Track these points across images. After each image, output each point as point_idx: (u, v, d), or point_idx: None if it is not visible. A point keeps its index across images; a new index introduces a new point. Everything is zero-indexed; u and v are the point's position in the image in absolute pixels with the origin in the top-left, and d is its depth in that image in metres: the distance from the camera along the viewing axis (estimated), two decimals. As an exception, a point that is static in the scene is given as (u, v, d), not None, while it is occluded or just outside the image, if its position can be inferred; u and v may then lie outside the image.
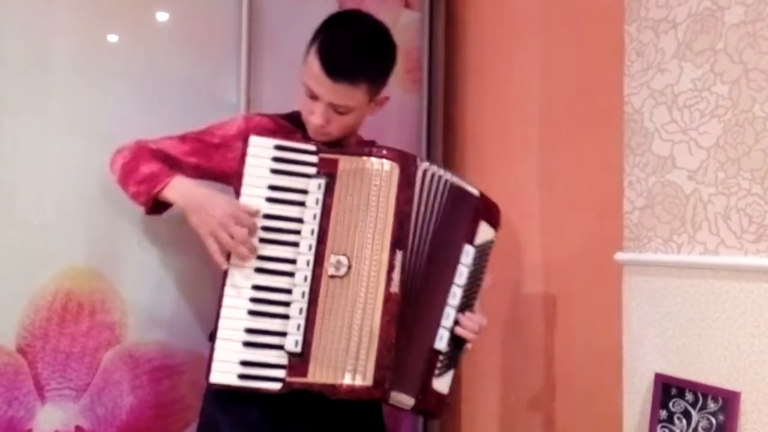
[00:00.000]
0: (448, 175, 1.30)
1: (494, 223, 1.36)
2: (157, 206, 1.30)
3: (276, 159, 1.24)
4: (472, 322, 1.29)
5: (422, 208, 1.26)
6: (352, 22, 1.32)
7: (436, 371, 1.26)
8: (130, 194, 1.32)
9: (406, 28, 1.90)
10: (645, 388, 1.28)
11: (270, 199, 1.23)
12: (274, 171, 1.24)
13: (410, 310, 1.24)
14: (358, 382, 1.16)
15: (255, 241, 1.21)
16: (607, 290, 1.42)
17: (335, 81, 1.24)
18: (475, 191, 1.34)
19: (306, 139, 1.32)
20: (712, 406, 1.16)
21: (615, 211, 1.38)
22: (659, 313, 1.27)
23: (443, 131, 1.98)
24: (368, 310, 1.18)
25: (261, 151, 1.24)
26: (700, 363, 1.19)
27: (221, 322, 1.20)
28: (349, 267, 1.20)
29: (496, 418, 1.79)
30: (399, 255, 1.20)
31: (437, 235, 1.28)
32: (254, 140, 1.24)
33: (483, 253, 1.34)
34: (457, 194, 1.31)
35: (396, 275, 1.20)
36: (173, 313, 1.52)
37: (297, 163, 1.25)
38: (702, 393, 1.17)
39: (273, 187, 1.23)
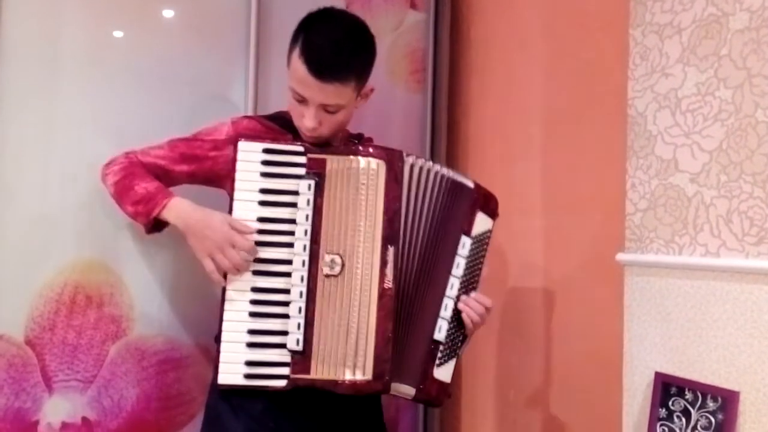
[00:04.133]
0: (439, 168, 1.31)
1: (491, 213, 1.37)
2: (156, 225, 1.31)
3: (265, 162, 1.26)
4: (476, 304, 1.30)
5: (413, 203, 1.28)
6: (330, 20, 1.30)
7: (437, 361, 1.29)
8: (128, 213, 1.33)
9: (411, 28, 1.92)
10: (645, 387, 1.30)
11: (262, 203, 1.25)
12: (265, 174, 1.25)
13: (408, 303, 1.26)
14: (359, 377, 1.19)
15: (251, 260, 1.23)
16: (609, 290, 1.44)
17: (324, 81, 1.23)
18: (470, 183, 1.35)
19: (295, 140, 1.33)
20: (711, 405, 1.18)
21: (617, 212, 1.40)
22: (660, 313, 1.29)
23: (447, 131, 1.99)
24: (363, 307, 1.21)
25: (250, 155, 1.26)
26: (700, 363, 1.21)
27: (224, 326, 1.23)
28: (343, 265, 1.22)
29: (496, 415, 1.81)
30: (391, 251, 1.23)
31: (433, 229, 1.30)
32: (243, 145, 1.26)
33: (481, 243, 1.35)
34: (452, 187, 1.32)
35: (389, 271, 1.22)
36: (180, 307, 1.54)
37: (286, 165, 1.26)
38: (701, 392, 1.20)
39: (264, 191, 1.25)
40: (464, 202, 1.33)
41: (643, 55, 1.35)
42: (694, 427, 1.19)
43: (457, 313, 1.30)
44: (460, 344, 1.33)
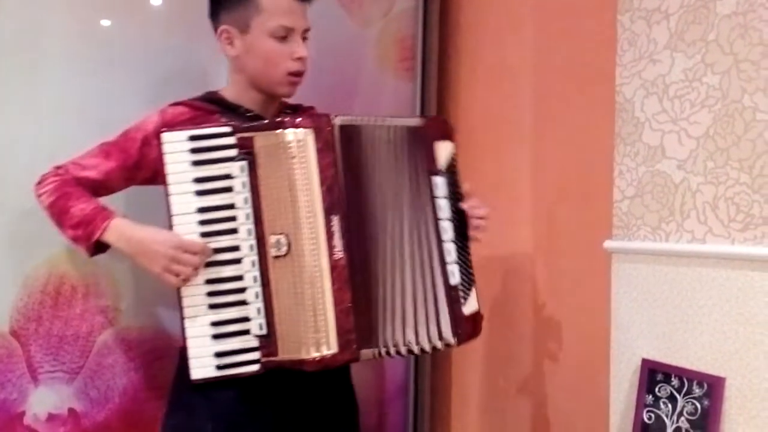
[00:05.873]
0: (375, 120, 1.28)
1: (447, 136, 1.33)
2: (98, 247, 1.26)
3: (194, 150, 1.22)
4: (478, 210, 1.34)
5: (355, 163, 1.25)
6: None
7: (462, 300, 1.28)
8: (68, 237, 1.27)
9: (400, 15, 1.90)
10: (632, 373, 1.30)
11: (199, 192, 1.22)
12: (195, 162, 1.22)
13: (377, 265, 1.24)
14: (324, 351, 1.18)
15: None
16: (596, 277, 1.44)
17: (303, 1, 1.33)
18: (415, 121, 1.33)
19: (223, 118, 1.31)
20: (697, 391, 1.18)
21: (605, 199, 1.40)
22: (647, 300, 1.29)
23: (436, 119, 1.99)
24: (316, 283, 1.18)
25: (176, 146, 1.21)
26: (686, 349, 1.22)
27: (186, 323, 1.21)
28: (289, 245, 1.20)
29: (486, 404, 1.82)
30: (336, 220, 1.20)
31: (391, 183, 1.27)
32: (167, 136, 1.21)
33: (451, 172, 1.33)
34: (400, 134, 1.29)
35: (337, 241, 1.20)
36: (167, 297, 1.51)
37: (216, 149, 1.22)
38: (687, 378, 1.20)
39: (199, 180, 1.22)
40: (418, 143, 1.30)
41: (631, 41, 1.35)
42: (681, 413, 1.20)
43: (460, 252, 1.30)
44: (470, 270, 1.32)
